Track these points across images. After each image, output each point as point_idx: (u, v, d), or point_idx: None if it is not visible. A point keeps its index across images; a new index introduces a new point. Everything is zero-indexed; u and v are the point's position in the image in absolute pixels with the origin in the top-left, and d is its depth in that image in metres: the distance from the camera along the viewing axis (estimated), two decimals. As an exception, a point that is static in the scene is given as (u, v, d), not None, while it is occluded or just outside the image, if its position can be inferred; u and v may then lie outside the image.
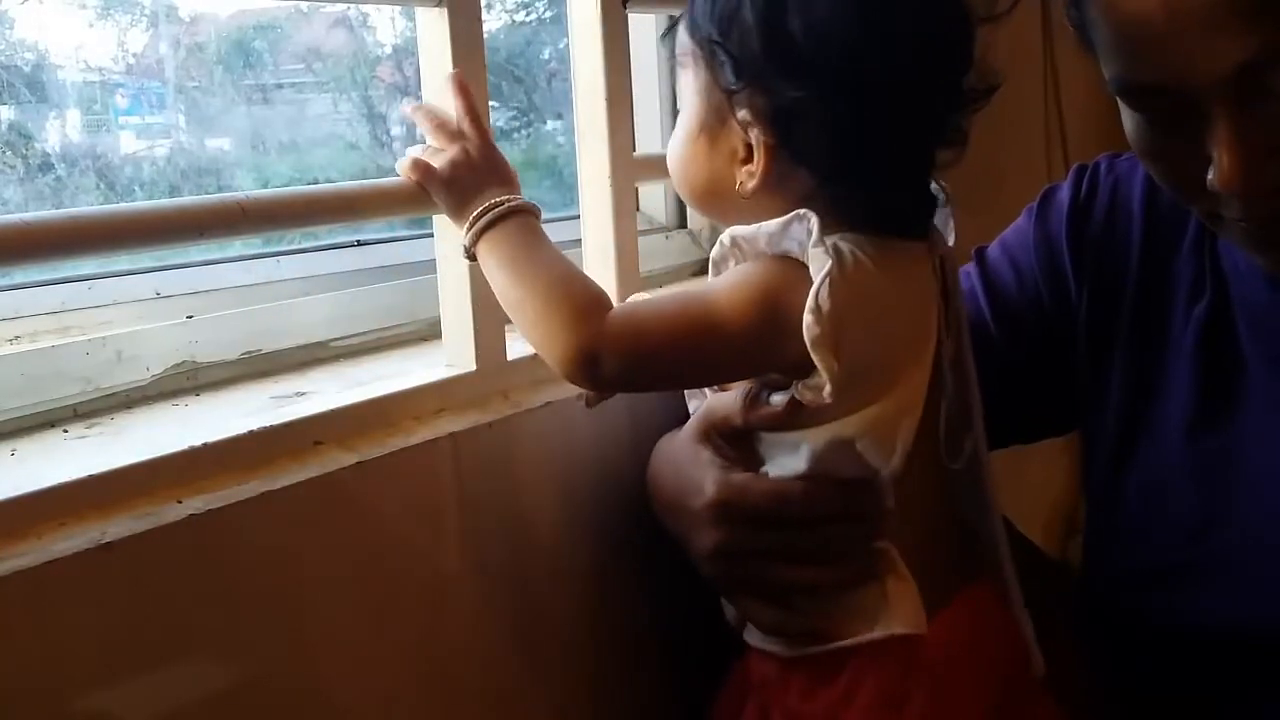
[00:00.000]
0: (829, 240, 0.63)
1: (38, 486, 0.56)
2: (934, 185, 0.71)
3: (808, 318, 0.61)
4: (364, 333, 0.88)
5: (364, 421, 0.70)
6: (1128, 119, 0.71)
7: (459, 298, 0.75)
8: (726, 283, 0.66)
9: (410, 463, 0.69)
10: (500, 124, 1.18)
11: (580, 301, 0.65)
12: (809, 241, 0.63)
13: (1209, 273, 0.80)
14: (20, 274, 0.76)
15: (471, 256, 0.70)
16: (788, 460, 0.68)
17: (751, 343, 0.65)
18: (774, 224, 0.65)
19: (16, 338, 0.75)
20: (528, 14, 1.28)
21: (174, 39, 0.98)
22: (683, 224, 1.16)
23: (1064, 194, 0.88)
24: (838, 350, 0.62)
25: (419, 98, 0.77)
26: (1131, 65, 0.64)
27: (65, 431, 0.68)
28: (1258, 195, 0.64)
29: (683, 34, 0.71)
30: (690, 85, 0.70)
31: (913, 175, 0.69)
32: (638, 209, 1.06)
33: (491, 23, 1.21)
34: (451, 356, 0.77)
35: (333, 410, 0.69)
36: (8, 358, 0.70)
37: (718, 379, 0.71)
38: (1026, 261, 0.88)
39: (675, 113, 1.13)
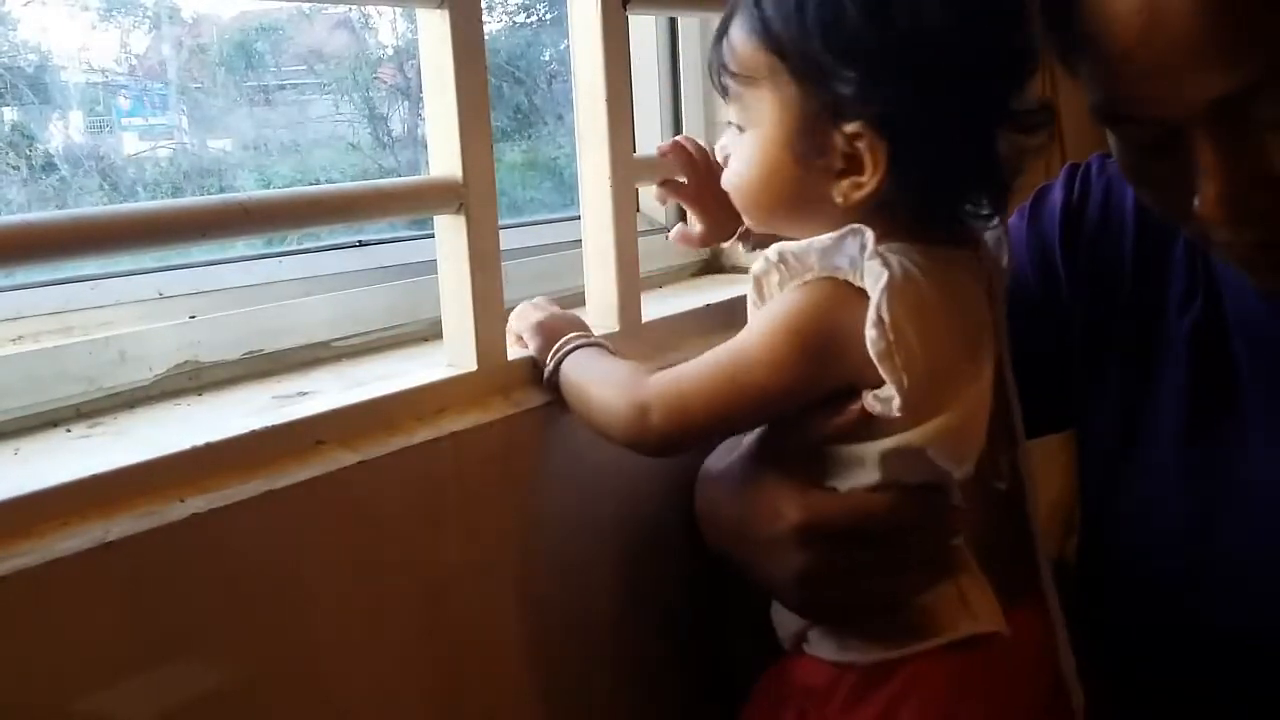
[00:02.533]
0: (880, 252, 0.63)
1: (40, 486, 0.57)
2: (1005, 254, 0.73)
3: (871, 331, 0.61)
4: (365, 333, 0.88)
5: (365, 421, 0.70)
6: (1114, 144, 0.70)
7: (460, 298, 0.75)
8: (760, 330, 0.66)
9: (411, 462, 0.69)
10: (501, 125, 1.18)
11: (628, 387, 0.69)
12: (862, 256, 0.62)
13: (1201, 277, 0.79)
14: (23, 274, 0.76)
15: (552, 386, 0.76)
16: (858, 473, 0.67)
17: (796, 382, 0.65)
18: (827, 238, 0.64)
19: (20, 338, 0.75)
20: (528, 15, 1.28)
21: (176, 40, 0.98)
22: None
23: (1056, 195, 0.88)
24: (903, 360, 0.61)
25: (420, 99, 0.77)
26: (1113, 96, 0.64)
27: (68, 431, 0.69)
28: (1244, 222, 0.63)
29: (748, 48, 0.67)
30: (766, 101, 0.66)
31: (990, 166, 0.67)
32: (638, 209, 1.06)
33: (492, 24, 1.21)
34: (452, 356, 0.77)
35: (334, 410, 0.69)
36: (11, 358, 0.70)
37: (767, 420, 0.70)
38: (1019, 262, 0.88)
39: (676, 114, 1.14)
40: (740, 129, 0.70)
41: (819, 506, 0.67)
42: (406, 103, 1.11)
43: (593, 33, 0.82)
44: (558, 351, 0.75)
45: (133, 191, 0.93)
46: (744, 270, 1.09)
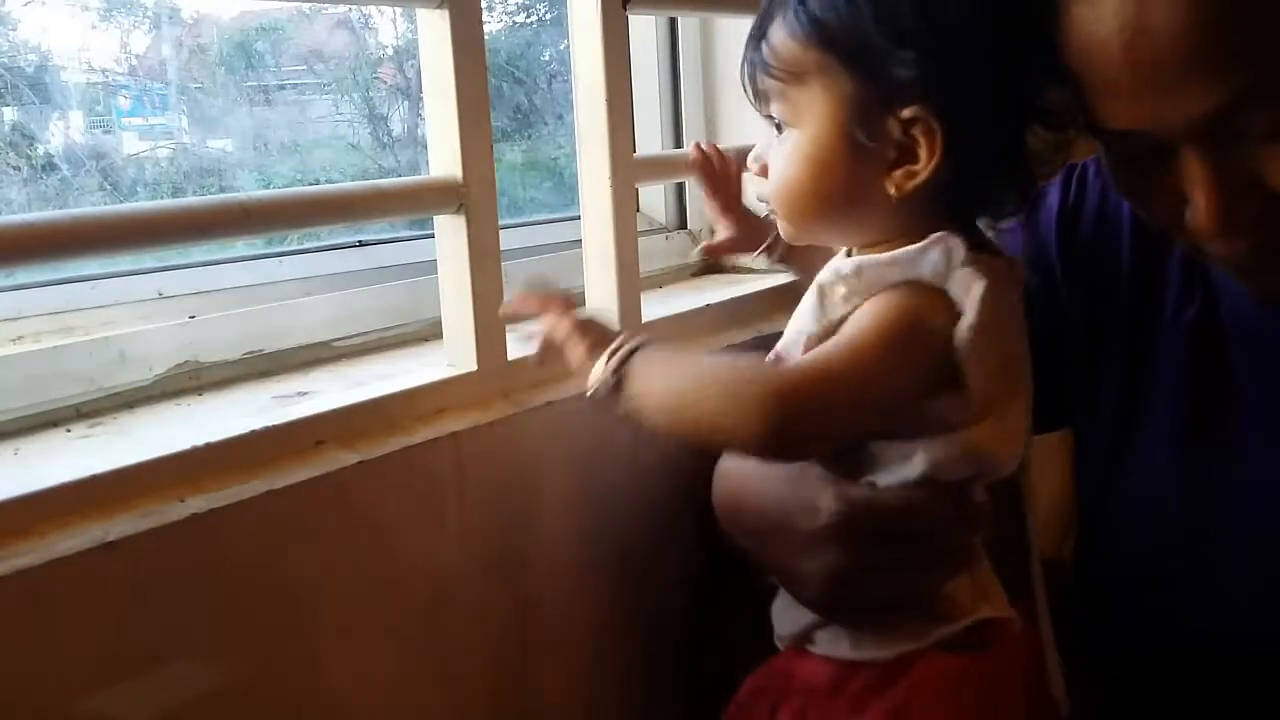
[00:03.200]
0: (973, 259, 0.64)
1: (41, 486, 0.57)
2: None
3: (965, 334, 0.62)
4: (366, 333, 0.88)
5: (365, 421, 0.70)
6: (1105, 157, 0.70)
7: (460, 298, 0.76)
8: (867, 328, 0.64)
9: (412, 462, 0.69)
10: (501, 125, 1.18)
11: (751, 378, 0.64)
12: (947, 265, 0.63)
13: (1198, 278, 0.79)
14: (23, 274, 0.76)
15: (613, 386, 0.67)
16: (900, 468, 0.66)
17: (911, 380, 0.64)
18: (911, 249, 0.64)
19: (20, 338, 0.75)
20: (528, 16, 1.28)
21: (177, 40, 0.98)
22: (683, 224, 1.17)
23: (1053, 196, 0.88)
24: (985, 364, 0.63)
25: (420, 99, 0.77)
26: (1102, 113, 0.64)
27: (68, 431, 0.69)
28: (1236, 233, 0.63)
29: (792, 47, 0.66)
30: (815, 96, 0.66)
31: (1022, 160, 0.68)
32: (638, 209, 1.06)
33: (492, 24, 1.21)
34: (452, 356, 0.77)
35: (334, 410, 0.69)
36: (11, 358, 0.70)
37: (887, 419, 0.67)
38: None
39: (676, 114, 1.15)
40: (780, 131, 0.69)
41: (858, 501, 0.66)
42: (406, 103, 1.11)
43: (593, 33, 0.83)
44: (619, 349, 0.67)
45: (133, 191, 0.93)
46: (745, 271, 1.09)
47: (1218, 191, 0.62)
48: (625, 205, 0.86)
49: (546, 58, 1.24)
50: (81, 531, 0.56)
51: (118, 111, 0.95)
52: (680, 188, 1.15)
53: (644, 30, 1.11)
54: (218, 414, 0.71)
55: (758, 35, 0.69)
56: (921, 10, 0.62)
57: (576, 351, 0.69)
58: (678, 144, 1.12)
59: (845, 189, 0.67)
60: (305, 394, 0.75)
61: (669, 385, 0.65)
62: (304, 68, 1.08)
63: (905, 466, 0.66)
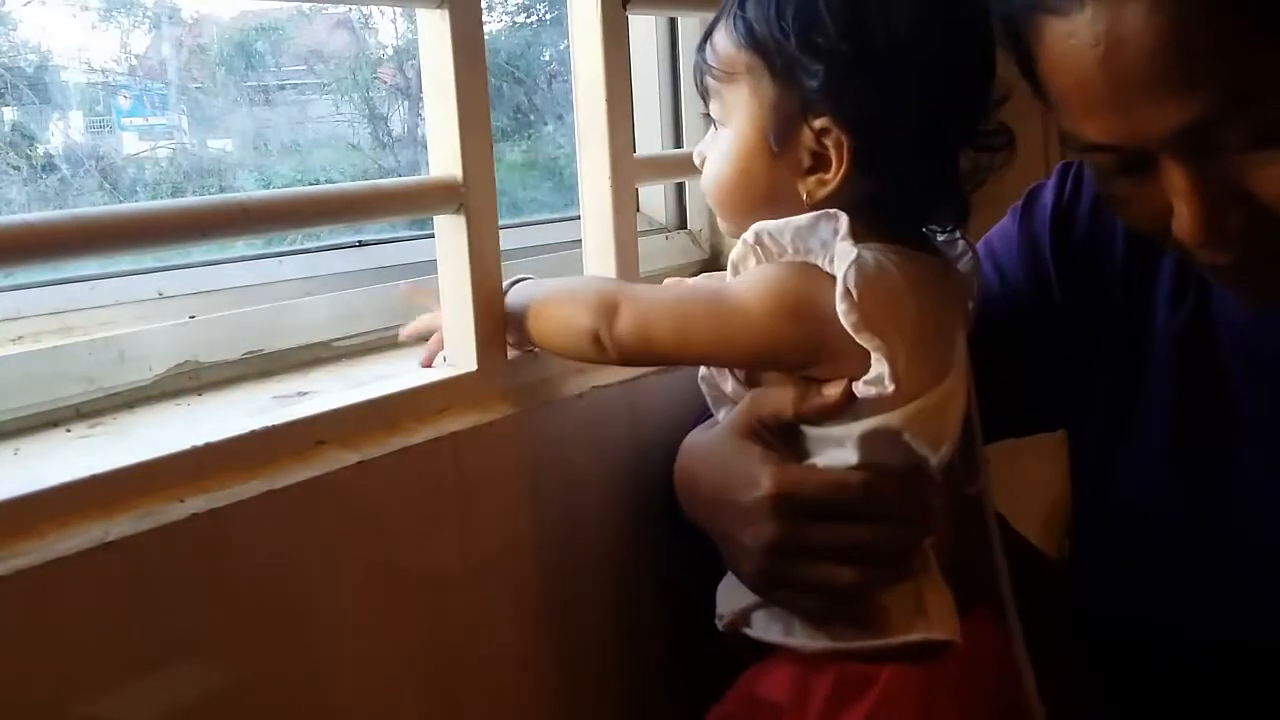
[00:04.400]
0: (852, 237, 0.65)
1: (40, 486, 0.57)
2: (959, 238, 0.75)
3: (841, 305, 0.63)
4: (365, 333, 0.88)
5: (365, 421, 0.70)
6: (1090, 170, 0.70)
7: (460, 298, 0.76)
8: (745, 277, 0.69)
9: (411, 462, 0.69)
10: (501, 125, 1.18)
11: (598, 290, 0.72)
12: (834, 239, 0.65)
13: (1192, 278, 0.79)
14: (23, 274, 0.76)
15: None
16: (836, 453, 0.68)
17: (771, 334, 0.67)
18: (803, 219, 0.66)
19: (20, 338, 0.75)
20: (528, 16, 1.28)
21: (176, 40, 0.98)
22: (683, 224, 1.17)
23: (1048, 195, 0.88)
24: (880, 334, 0.64)
25: (420, 99, 0.77)
26: (1080, 126, 0.64)
27: (68, 431, 0.69)
28: (1221, 245, 0.63)
29: (728, 46, 0.70)
30: (744, 97, 0.70)
31: (951, 181, 0.71)
32: (638, 209, 1.06)
33: (492, 24, 1.21)
34: (452, 356, 0.77)
35: (334, 410, 0.69)
36: (11, 358, 0.70)
37: (721, 364, 0.73)
38: (1010, 262, 0.88)
39: (676, 114, 1.14)
40: (717, 128, 0.74)
41: (795, 478, 0.68)
42: (406, 103, 1.12)
43: (593, 33, 0.83)
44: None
45: (133, 191, 0.93)
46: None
47: (1201, 202, 0.61)
48: (625, 205, 0.86)
49: (546, 58, 1.24)
50: (81, 531, 0.56)
51: (118, 111, 0.95)
52: (680, 188, 1.15)
53: (644, 30, 1.11)
54: (218, 414, 0.71)
55: (705, 36, 0.73)
56: (842, 31, 0.65)
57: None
58: (678, 144, 1.12)
59: (764, 188, 0.70)
60: (305, 394, 0.75)
61: (536, 303, 0.75)
62: (304, 68, 1.08)
63: (841, 451, 0.68)
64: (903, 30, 0.65)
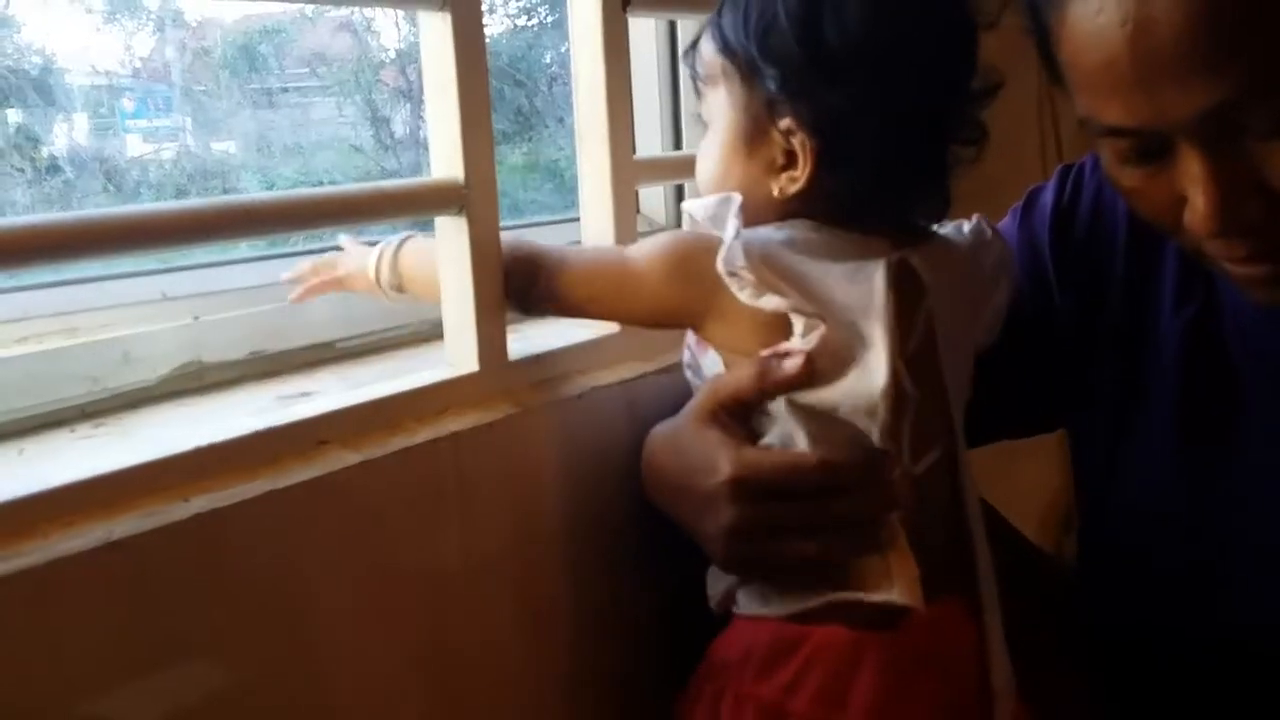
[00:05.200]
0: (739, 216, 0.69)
1: (45, 486, 0.57)
2: (1005, 279, 0.78)
3: (721, 268, 0.67)
4: (368, 333, 0.88)
5: (368, 421, 0.70)
6: (1104, 156, 0.70)
7: (461, 299, 0.76)
8: (644, 242, 0.75)
9: (413, 462, 0.69)
10: (502, 127, 1.18)
11: (512, 258, 0.77)
12: (729, 217, 0.68)
13: (1199, 276, 0.79)
14: (28, 276, 0.77)
15: (393, 279, 0.80)
16: (783, 431, 0.70)
17: (657, 291, 0.72)
18: (710, 199, 0.70)
19: (24, 339, 0.75)
20: (529, 18, 1.28)
21: (180, 43, 0.99)
22: (682, 225, 1.17)
23: (1048, 196, 0.88)
24: (778, 289, 0.67)
25: (422, 101, 0.77)
26: (1101, 108, 0.64)
27: (72, 431, 0.69)
28: (1234, 234, 0.63)
29: (709, 52, 0.75)
30: (723, 100, 0.74)
31: (924, 167, 0.73)
32: (638, 210, 1.06)
33: (494, 27, 1.22)
34: (453, 357, 0.78)
35: (337, 410, 0.69)
36: (16, 358, 0.70)
37: (626, 319, 0.80)
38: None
39: (676, 115, 1.15)
40: (706, 127, 0.77)
41: (752, 460, 0.69)
42: (408, 105, 1.12)
43: (593, 35, 0.83)
44: (390, 243, 0.80)
45: (136, 193, 0.94)
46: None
47: (1217, 191, 0.61)
48: (625, 206, 0.87)
49: (547, 60, 1.24)
50: (85, 531, 0.56)
51: (122, 114, 0.96)
52: (680, 189, 1.15)
53: (644, 32, 1.11)
54: (221, 414, 0.71)
55: (694, 41, 0.77)
56: (798, 36, 0.68)
57: (355, 254, 0.82)
58: (678, 145, 1.13)
59: (742, 184, 0.73)
60: (308, 394, 0.76)
61: (429, 264, 0.77)
62: (307, 70, 1.08)
63: (785, 430, 0.70)
64: (858, 32, 0.67)
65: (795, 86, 0.69)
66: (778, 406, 0.70)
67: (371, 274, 0.80)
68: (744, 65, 0.72)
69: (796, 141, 0.70)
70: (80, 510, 0.57)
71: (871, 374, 0.68)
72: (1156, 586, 0.81)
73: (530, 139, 1.25)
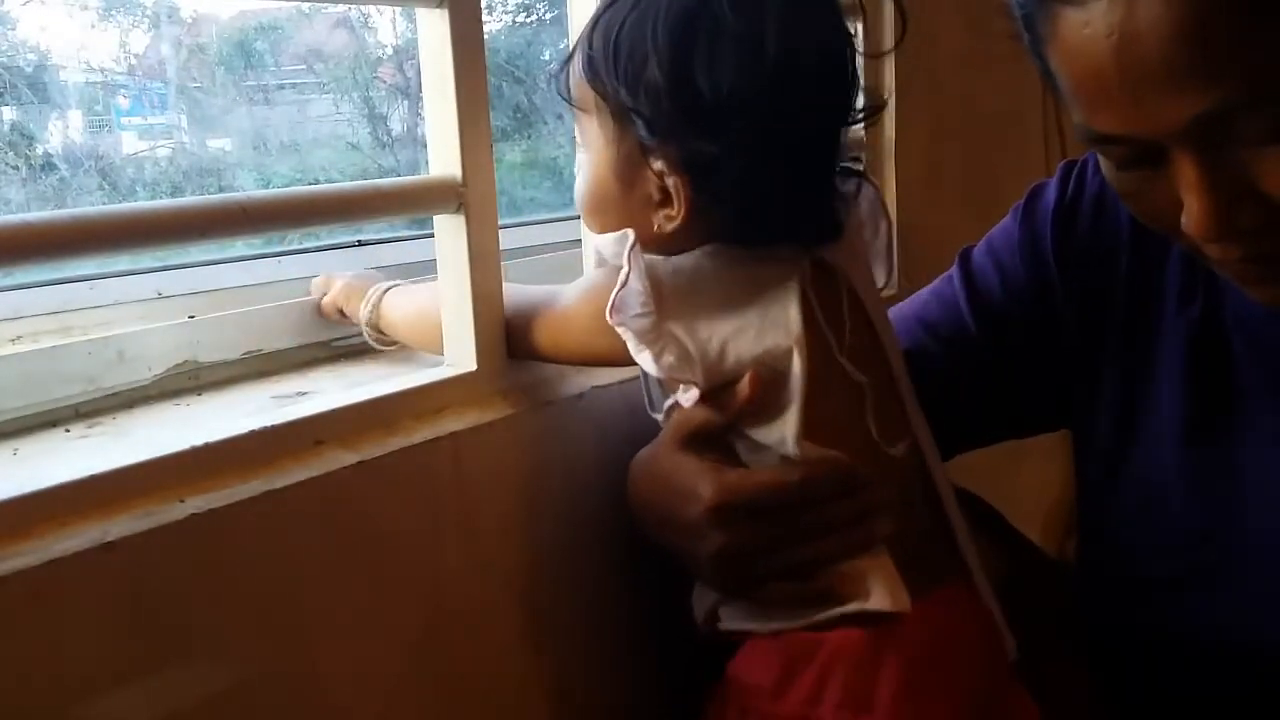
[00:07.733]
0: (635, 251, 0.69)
1: (39, 486, 0.57)
2: (883, 222, 0.78)
3: (610, 319, 0.67)
4: (365, 333, 0.88)
5: (365, 421, 0.70)
6: (1101, 162, 0.70)
7: (459, 298, 0.76)
8: (574, 285, 0.75)
9: (411, 462, 0.69)
10: (500, 125, 1.18)
11: None
12: (624, 251, 0.68)
13: (1202, 276, 0.79)
14: (22, 274, 0.76)
15: (373, 324, 0.83)
16: (765, 441, 0.70)
17: (585, 331, 0.72)
18: (610, 237, 0.70)
19: (19, 338, 0.75)
20: (528, 15, 1.28)
21: (176, 40, 0.98)
22: (683, 224, 1.17)
23: (1050, 193, 0.88)
24: (660, 340, 0.67)
25: (419, 98, 0.77)
26: (1093, 117, 0.64)
27: (67, 431, 0.69)
28: (1230, 239, 0.63)
29: (577, 79, 0.73)
30: (595, 132, 0.73)
31: (813, 192, 0.72)
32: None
33: (492, 24, 1.21)
34: (451, 356, 0.77)
35: (333, 410, 0.69)
36: (10, 358, 0.70)
37: (566, 360, 0.78)
38: (1011, 262, 0.88)
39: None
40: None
41: (732, 485, 0.69)
42: (406, 102, 1.12)
43: (592, 32, 0.82)
44: (374, 292, 0.82)
45: (132, 191, 0.93)
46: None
47: (1211, 197, 0.61)
48: (625, 205, 0.86)
49: (546, 57, 1.24)
50: (80, 532, 0.55)
51: (117, 111, 0.95)
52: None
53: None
54: (217, 414, 0.71)
55: (565, 59, 0.75)
56: (669, 88, 0.67)
57: (342, 296, 0.85)
58: (677, 143, 1.12)
59: (622, 219, 0.72)
60: (304, 394, 0.75)
61: (412, 313, 0.81)
62: (303, 67, 1.08)
63: (772, 437, 0.70)
64: (731, 82, 0.65)
65: (666, 134, 0.68)
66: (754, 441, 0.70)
67: (360, 319, 0.83)
68: (614, 105, 0.70)
69: (671, 183, 0.69)
70: (75, 511, 0.57)
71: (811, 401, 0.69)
72: (1159, 589, 0.81)
73: (529, 136, 1.25)
